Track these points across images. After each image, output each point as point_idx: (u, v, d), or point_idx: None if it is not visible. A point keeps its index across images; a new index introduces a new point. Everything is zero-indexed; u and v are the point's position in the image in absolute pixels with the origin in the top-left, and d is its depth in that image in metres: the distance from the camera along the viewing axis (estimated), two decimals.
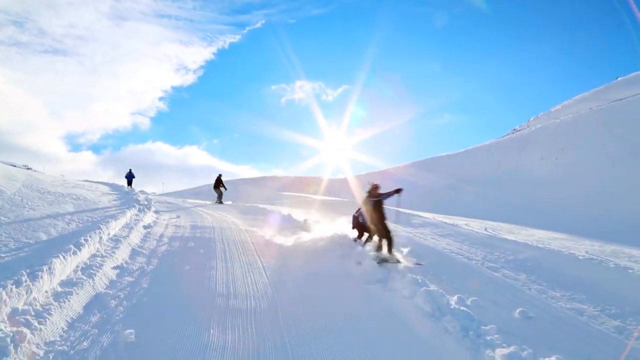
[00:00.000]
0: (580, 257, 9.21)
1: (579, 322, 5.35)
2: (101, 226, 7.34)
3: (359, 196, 10.16)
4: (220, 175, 19.86)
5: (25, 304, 4.29)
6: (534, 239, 11.57)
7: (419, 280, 5.90)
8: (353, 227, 9.28)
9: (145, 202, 12.21)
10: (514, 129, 53.53)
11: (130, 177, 24.15)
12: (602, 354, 4.49)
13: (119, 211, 9.38)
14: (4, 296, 4.02)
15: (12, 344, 3.65)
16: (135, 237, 8.23)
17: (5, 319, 3.94)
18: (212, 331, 4.55)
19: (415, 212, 15.83)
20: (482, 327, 4.65)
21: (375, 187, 8.12)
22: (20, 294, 4.25)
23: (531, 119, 56.11)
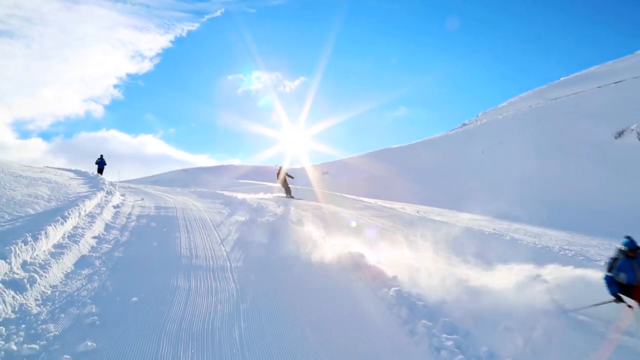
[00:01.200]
0: (486, 232, 11.24)
1: (458, 274, 7.18)
2: (78, 204, 8.52)
3: (315, 183, 12.11)
4: (281, 168, 17.86)
5: (31, 258, 5.56)
6: (456, 220, 13.59)
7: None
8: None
9: (111, 187, 13.24)
10: (464, 123, 56.75)
11: (101, 164, 22.95)
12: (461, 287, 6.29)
13: (90, 192, 10.48)
14: (17, 250, 5.29)
15: (28, 284, 4.96)
16: (107, 215, 9.44)
17: (20, 267, 5.22)
18: (179, 279, 5.99)
19: (359, 198, 17.60)
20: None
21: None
22: (27, 250, 5.51)
23: (480, 114, 59.52)
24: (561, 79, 60.59)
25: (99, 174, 20.84)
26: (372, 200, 17.31)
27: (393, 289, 5.83)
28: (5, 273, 4.88)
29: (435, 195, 25.91)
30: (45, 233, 6.16)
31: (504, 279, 6.68)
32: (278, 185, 19.37)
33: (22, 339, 3.99)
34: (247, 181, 37.58)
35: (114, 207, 10.62)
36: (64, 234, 6.96)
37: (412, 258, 7.84)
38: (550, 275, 6.50)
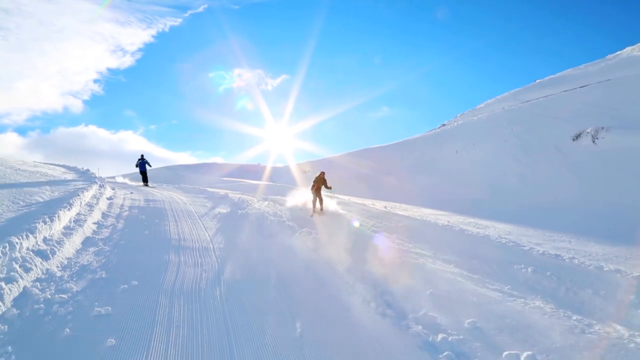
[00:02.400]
0: (440, 224, 12.69)
1: (414, 260, 8.60)
2: (79, 194, 9.68)
3: (299, 181, 13.74)
4: (323, 174, 13.56)
5: (49, 235, 6.76)
6: (419, 214, 15.05)
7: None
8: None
9: (102, 182, 14.35)
10: (443, 124, 58.71)
11: (142, 165, 19.25)
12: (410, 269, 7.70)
13: (85, 185, 11.60)
14: (39, 227, 6.49)
15: (50, 254, 6.18)
16: (102, 205, 10.61)
17: (42, 241, 6.43)
18: (171, 255, 7.26)
19: (335, 195, 18.96)
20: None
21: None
22: (46, 228, 6.71)
23: (458, 115, 61.55)
24: (537, 81, 62.75)
25: (145, 182, 19.47)
26: (346, 197, 18.72)
27: (312, 234, 7.22)
28: (34, 244, 6.10)
29: (411, 192, 27.47)
30: (58, 216, 7.36)
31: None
32: (258, 182, 20.44)
33: (53, 291, 5.23)
34: (231, 179, 38.75)
35: (108, 199, 11.77)
36: (70, 219, 8.15)
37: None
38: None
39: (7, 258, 5.34)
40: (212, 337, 4.52)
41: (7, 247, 5.44)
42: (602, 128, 23.13)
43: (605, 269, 7.64)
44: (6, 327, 4.37)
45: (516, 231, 12.06)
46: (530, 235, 11.44)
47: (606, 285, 6.96)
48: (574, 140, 24.17)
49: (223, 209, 12.43)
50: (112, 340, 4.29)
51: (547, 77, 60.70)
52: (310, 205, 13.37)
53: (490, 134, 34.04)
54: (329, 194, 15.34)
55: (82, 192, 10.28)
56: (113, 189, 14.41)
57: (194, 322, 4.85)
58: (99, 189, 12.35)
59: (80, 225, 8.05)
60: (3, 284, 4.92)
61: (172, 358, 4.08)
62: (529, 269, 7.78)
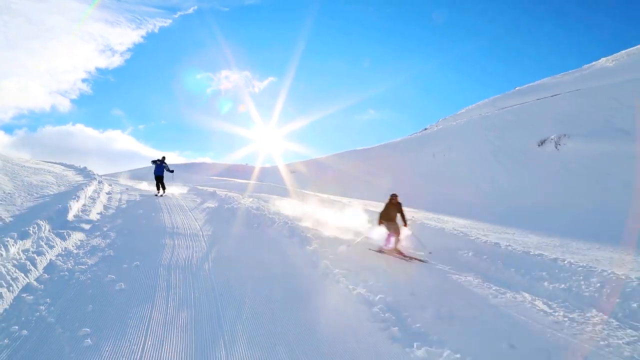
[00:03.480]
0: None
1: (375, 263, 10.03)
2: (83, 188, 10.95)
3: (287, 181, 14.84)
4: (395, 198, 9.90)
5: (65, 220, 8.07)
6: None
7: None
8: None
9: (100, 178, 15.57)
10: (425, 128, 60.63)
11: (159, 170, 15.29)
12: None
13: (86, 181, 12.84)
14: (59, 214, 7.79)
15: (67, 236, 7.49)
16: (103, 199, 11.88)
17: (60, 225, 7.73)
18: (166, 240, 8.60)
19: (316, 193, 20.42)
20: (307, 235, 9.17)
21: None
22: (63, 214, 8.02)
23: (440, 119, 63.50)
24: (516, 88, 64.85)
25: (160, 189, 15.39)
26: (325, 195, 20.18)
27: (288, 224, 8.67)
28: (49, 230, 7.41)
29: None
30: (70, 206, 8.65)
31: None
32: (244, 181, 21.72)
33: (73, 264, 6.55)
34: (220, 178, 39.90)
35: (107, 193, 13.03)
36: (79, 209, 9.43)
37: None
38: None
39: (36, 236, 6.65)
40: (202, 296, 5.89)
41: (36, 228, 6.74)
42: (565, 135, 24.97)
43: (531, 253, 9.18)
44: (42, 286, 5.68)
45: (470, 225, 13.62)
46: (480, 228, 13.01)
47: (527, 265, 8.48)
48: (539, 146, 25.97)
49: (211, 204, 13.75)
50: (124, 292, 5.64)
51: (526, 85, 62.95)
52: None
53: (465, 139, 35.83)
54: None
55: (85, 187, 11.53)
56: (110, 185, 15.63)
57: (187, 286, 6.21)
58: (98, 185, 13.58)
59: (87, 214, 9.34)
60: (35, 255, 6.23)
61: (171, 308, 5.44)
62: (470, 253, 9.31)
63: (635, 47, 50.77)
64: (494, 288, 7.37)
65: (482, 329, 5.58)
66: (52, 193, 9.81)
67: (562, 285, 7.39)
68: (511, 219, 17.05)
